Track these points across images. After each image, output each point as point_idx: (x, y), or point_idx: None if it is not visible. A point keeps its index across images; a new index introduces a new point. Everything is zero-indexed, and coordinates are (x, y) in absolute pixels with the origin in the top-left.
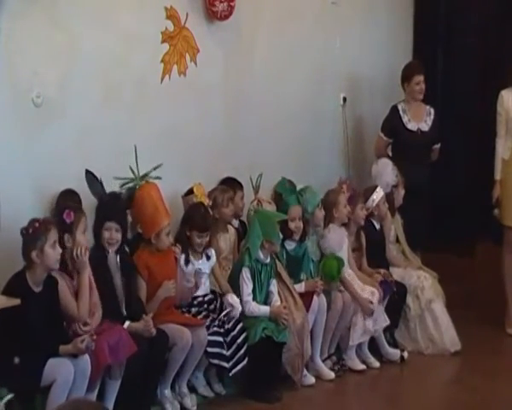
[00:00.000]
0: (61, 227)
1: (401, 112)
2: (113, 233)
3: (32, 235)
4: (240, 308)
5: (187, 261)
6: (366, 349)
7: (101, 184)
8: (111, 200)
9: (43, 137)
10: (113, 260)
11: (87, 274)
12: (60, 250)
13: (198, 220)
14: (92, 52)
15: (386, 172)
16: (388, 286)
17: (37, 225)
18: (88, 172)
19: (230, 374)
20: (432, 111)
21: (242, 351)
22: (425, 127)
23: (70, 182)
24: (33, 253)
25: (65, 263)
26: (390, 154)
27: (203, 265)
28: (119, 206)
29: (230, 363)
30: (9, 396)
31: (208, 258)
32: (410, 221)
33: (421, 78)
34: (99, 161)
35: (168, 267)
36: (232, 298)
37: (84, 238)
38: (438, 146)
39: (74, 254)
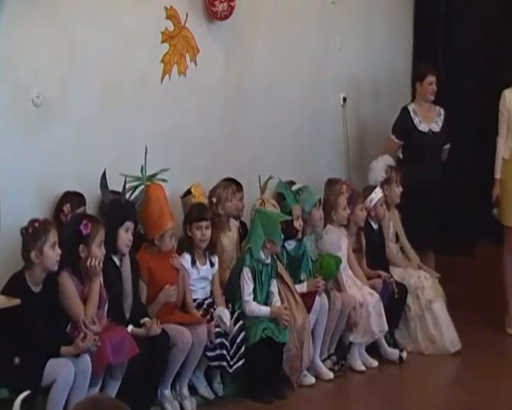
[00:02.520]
0: (77, 237)
1: (412, 113)
2: (129, 234)
3: (32, 235)
4: (228, 326)
5: (193, 262)
6: (363, 351)
7: (108, 190)
8: (127, 200)
9: (43, 137)
10: (128, 264)
11: (98, 282)
12: (59, 251)
13: (195, 212)
14: (92, 52)
15: (376, 168)
16: (388, 290)
17: (36, 225)
18: (104, 176)
19: (230, 371)
20: (442, 112)
21: (242, 350)
22: (436, 128)
23: (70, 182)
24: (32, 253)
25: (77, 270)
26: (400, 156)
27: (207, 271)
28: (134, 206)
29: (230, 362)
30: (27, 393)
31: (212, 265)
32: (423, 222)
33: (433, 78)
34: (99, 160)
35: (169, 270)
36: (224, 313)
37: (99, 251)
38: (448, 146)
39: (88, 264)
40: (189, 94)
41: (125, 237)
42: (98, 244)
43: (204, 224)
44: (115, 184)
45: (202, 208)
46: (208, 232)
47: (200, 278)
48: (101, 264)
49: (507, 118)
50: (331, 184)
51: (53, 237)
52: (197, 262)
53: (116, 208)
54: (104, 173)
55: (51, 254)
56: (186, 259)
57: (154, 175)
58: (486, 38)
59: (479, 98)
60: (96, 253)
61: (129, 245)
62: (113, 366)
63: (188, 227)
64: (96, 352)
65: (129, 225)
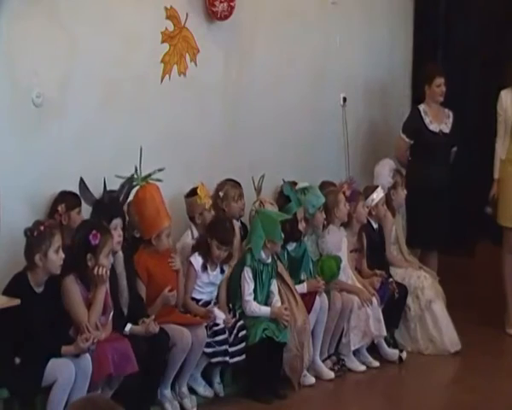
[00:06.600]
0: (85, 246)
1: (422, 113)
2: (118, 231)
3: (37, 238)
4: (222, 321)
5: (204, 267)
6: (364, 351)
7: (91, 192)
8: (110, 198)
9: (42, 137)
10: (121, 260)
11: (104, 289)
12: (62, 255)
13: (220, 232)
14: (92, 52)
15: (382, 173)
16: (387, 289)
17: (42, 228)
18: (81, 181)
19: (230, 362)
20: (450, 114)
21: (240, 346)
22: (446, 129)
23: (70, 182)
24: (37, 256)
25: (84, 276)
26: (408, 155)
27: (216, 277)
28: (119, 202)
29: (230, 355)
30: None
31: (222, 271)
32: (432, 221)
33: (441, 80)
34: (99, 160)
35: (168, 270)
36: (219, 315)
37: (107, 260)
38: (455, 149)
39: (95, 272)
40: (189, 94)
41: (114, 235)
42: (106, 254)
43: (224, 247)
44: (115, 184)
45: (228, 232)
46: (225, 254)
47: (208, 282)
48: (108, 272)
49: (504, 118)
50: (325, 185)
51: (57, 241)
52: (208, 268)
53: (101, 208)
54: (81, 179)
55: (55, 258)
56: (197, 260)
57: (148, 175)
58: (486, 38)
59: (478, 98)
60: (104, 262)
61: (120, 241)
62: (112, 377)
63: (209, 237)
64: (97, 361)
65: (116, 222)
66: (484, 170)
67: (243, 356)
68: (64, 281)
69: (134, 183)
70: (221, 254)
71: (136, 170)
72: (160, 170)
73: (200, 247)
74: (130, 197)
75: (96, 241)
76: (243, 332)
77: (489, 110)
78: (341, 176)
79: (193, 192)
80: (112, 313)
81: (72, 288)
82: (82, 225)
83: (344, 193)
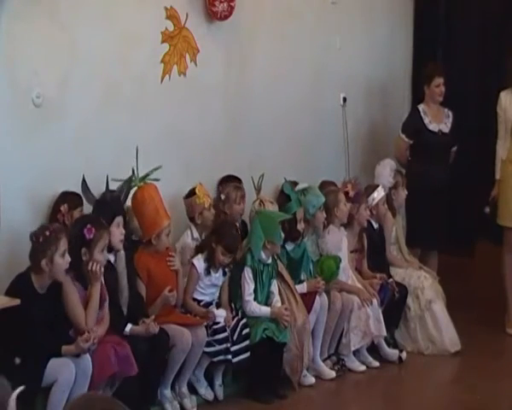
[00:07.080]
0: (80, 240)
1: (422, 113)
2: (121, 228)
3: (43, 243)
4: (222, 320)
5: (208, 272)
6: (364, 351)
7: (91, 192)
8: (112, 196)
9: (42, 138)
10: (122, 259)
11: (99, 286)
12: (69, 259)
13: (227, 239)
14: (92, 52)
15: (383, 174)
16: (387, 290)
17: (47, 233)
18: (84, 180)
19: (234, 361)
20: (450, 114)
21: (244, 344)
22: (445, 129)
23: (70, 182)
24: (43, 261)
25: (80, 274)
26: (408, 155)
27: (218, 279)
28: (120, 200)
29: (233, 353)
30: (21, 388)
31: (225, 274)
32: (431, 221)
33: (441, 80)
34: (99, 161)
35: (167, 270)
36: (219, 313)
37: (101, 256)
38: (455, 149)
39: (89, 267)
40: (189, 94)
41: (117, 232)
42: (100, 249)
43: (229, 255)
44: (115, 185)
45: (234, 240)
46: (230, 260)
47: (211, 284)
48: (103, 269)
49: (504, 119)
50: (325, 185)
51: (63, 245)
52: (211, 272)
53: (103, 207)
54: (84, 178)
55: (61, 262)
56: (200, 263)
57: (146, 176)
58: (486, 38)
59: (478, 98)
60: (98, 258)
61: (122, 240)
62: (117, 375)
63: (214, 242)
64: (99, 363)
65: (119, 220)
66: (484, 170)
67: (247, 354)
68: (63, 282)
69: (133, 183)
70: (225, 260)
71: (133, 171)
72: (156, 169)
73: (204, 250)
74: (130, 199)
75: (90, 235)
76: (246, 330)
77: (489, 110)
78: (341, 176)
79: (191, 193)
80: (107, 303)
81: (70, 289)
82: (77, 221)
83: (348, 193)
